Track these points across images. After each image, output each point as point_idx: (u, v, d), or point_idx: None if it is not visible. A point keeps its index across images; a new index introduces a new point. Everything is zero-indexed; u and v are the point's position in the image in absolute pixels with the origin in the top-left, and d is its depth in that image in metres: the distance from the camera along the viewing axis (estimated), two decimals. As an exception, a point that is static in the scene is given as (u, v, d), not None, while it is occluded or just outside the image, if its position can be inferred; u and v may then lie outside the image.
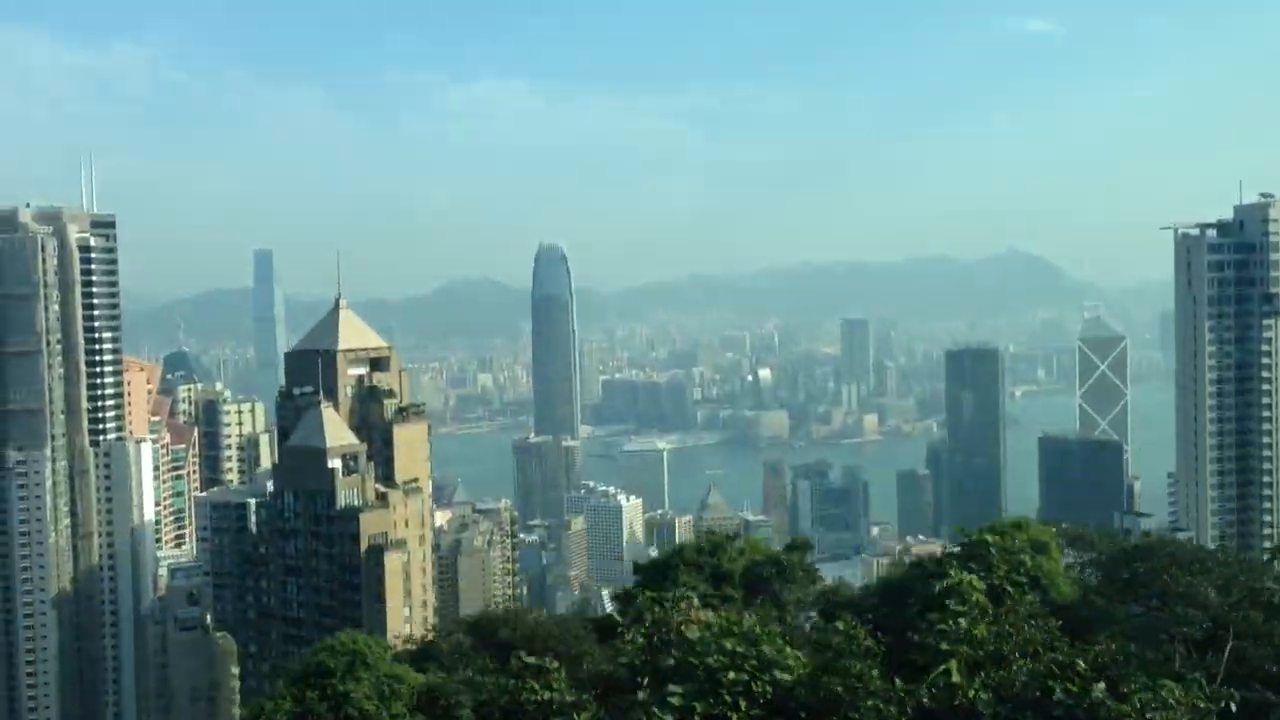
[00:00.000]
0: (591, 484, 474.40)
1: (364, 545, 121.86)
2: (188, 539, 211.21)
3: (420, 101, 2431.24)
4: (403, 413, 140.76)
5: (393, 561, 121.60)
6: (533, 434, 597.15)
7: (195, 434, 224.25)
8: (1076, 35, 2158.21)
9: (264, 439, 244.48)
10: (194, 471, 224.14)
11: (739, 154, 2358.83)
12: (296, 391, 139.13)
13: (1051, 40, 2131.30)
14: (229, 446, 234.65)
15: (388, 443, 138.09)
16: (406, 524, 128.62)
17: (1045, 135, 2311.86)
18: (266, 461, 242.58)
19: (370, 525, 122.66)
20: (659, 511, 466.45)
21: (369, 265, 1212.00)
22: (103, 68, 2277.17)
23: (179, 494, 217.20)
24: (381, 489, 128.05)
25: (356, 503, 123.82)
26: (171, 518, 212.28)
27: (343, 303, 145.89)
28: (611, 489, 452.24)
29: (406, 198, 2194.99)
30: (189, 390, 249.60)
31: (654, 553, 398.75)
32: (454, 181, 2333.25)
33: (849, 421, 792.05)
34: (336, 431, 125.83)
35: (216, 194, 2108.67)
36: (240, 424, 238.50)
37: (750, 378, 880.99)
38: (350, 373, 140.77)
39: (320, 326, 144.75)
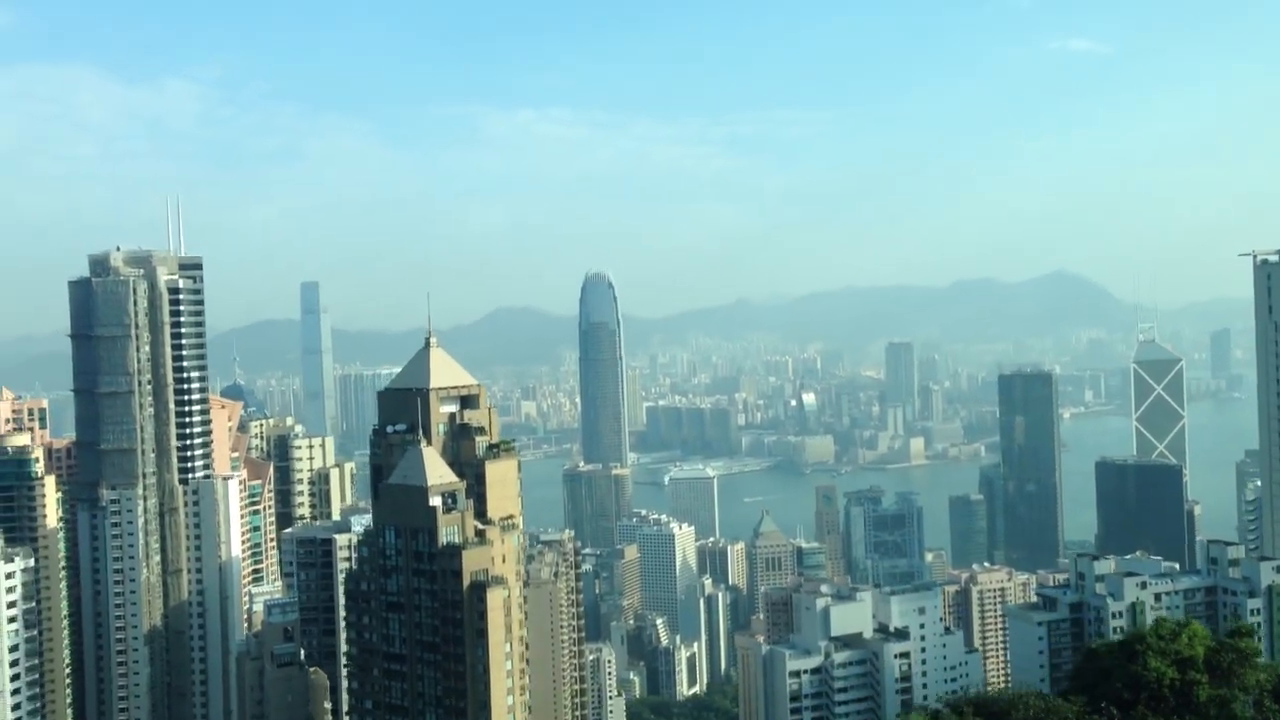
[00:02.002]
0: (643, 512, 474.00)
1: (466, 582, 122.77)
2: (264, 574, 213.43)
3: (464, 132, 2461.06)
4: (494, 449, 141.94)
5: (495, 597, 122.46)
6: (581, 462, 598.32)
7: (271, 469, 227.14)
8: (1122, 55, 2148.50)
9: (334, 473, 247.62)
10: (269, 507, 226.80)
11: (781, 179, 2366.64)
12: (390, 429, 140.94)
13: (1097, 60, 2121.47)
14: (300, 481, 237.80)
15: (480, 479, 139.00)
16: (504, 560, 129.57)
17: (1090, 156, 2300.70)
18: (337, 495, 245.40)
19: (471, 562, 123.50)
20: (711, 539, 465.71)
21: (415, 295, 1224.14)
22: (154, 104, 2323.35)
23: (256, 529, 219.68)
24: (480, 526, 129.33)
25: (457, 540, 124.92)
26: (249, 553, 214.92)
27: (433, 340, 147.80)
28: (664, 517, 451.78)
29: (451, 227, 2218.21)
30: (261, 425, 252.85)
31: (708, 582, 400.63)
32: (497, 211, 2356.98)
33: (895, 446, 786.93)
34: (436, 469, 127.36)
35: (264, 226, 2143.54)
36: (311, 458, 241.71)
37: (794, 403, 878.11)
38: (442, 410, 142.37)
39: (412, 364, 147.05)
